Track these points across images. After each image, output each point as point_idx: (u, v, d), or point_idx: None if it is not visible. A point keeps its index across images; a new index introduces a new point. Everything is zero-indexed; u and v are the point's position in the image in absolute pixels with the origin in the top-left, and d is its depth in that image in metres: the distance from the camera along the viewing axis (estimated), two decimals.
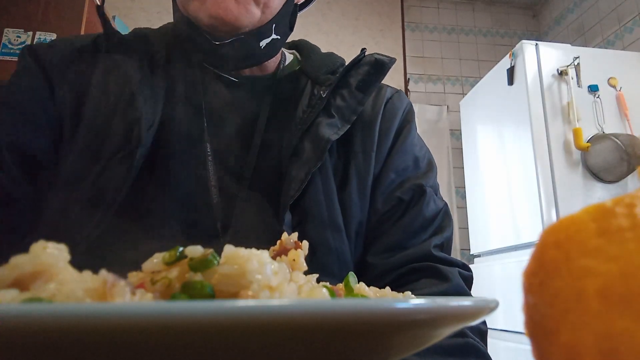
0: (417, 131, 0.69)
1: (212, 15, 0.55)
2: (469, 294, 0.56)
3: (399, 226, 0.60)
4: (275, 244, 0.27)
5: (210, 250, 0.21)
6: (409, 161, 0.64)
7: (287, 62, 0.69)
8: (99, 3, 0.58)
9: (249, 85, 0.64)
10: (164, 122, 0.57)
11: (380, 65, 0.63)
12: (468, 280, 0.58)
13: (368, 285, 0.59)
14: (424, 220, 0.60)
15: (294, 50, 0.73)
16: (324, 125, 0.58)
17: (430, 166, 0.66)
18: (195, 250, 0.21)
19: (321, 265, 0.54)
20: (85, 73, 0.59)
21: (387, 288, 0.28)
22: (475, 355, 0.48)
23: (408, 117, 0.67)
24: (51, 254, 0.19)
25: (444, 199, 0.66)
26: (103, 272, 0.18)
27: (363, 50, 0.64)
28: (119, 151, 0.53)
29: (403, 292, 0.53)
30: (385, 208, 0.60)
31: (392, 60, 0.64)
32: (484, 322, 0.54)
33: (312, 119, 0.59)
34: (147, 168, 0.54)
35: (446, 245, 0.61)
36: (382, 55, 0.64)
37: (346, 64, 0.65)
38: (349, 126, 0.59)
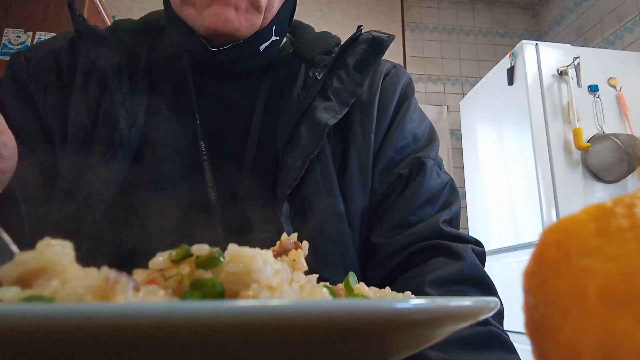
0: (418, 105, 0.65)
1: (210, 28, 0.51)
2: (484, 273, 0.53)
3: (401, 201, 0.56)
4: (279, 239, 0.27)
5: (217, 249, 0.21)
6: (408, 138, 0.60)
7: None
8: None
9: (243, 75, 0.60)
10: (150, 121, 0.54)
11: (379, 43, 0.59)
12: (481, 257, 0.54)
13: (377, 268, 0.57)
14: (428, 193, 0.57)
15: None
16: (321, 109, 0.55)
17: (430, 139, 0.62)
18: (201, 249, 0.21)
19: (322, 256, 0.52)
20: (65, 79, 0.57)
21: (387, 288, 0.28)
22: (499, 345, 0.46)
23: (407, 93, 0.63)
24: (56, 251, 0.19)
25: None
26: (105, 269, 0.18)
27: (359, 27, 0.60)
28: (104, 155, 0.51)
29: (415, 273, 0.53)
30: (384, 186, 0.57)
31: (391, 37, 0.60)
32: (500, 303, 0.51)
33: (307, 103, 0.55)
34: (139, 172, 0.52)
35: (455, 221, 0.57)
36: (380, 32, 0.61)
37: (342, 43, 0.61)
38: (347, 109, 0.56)
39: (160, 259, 0.21)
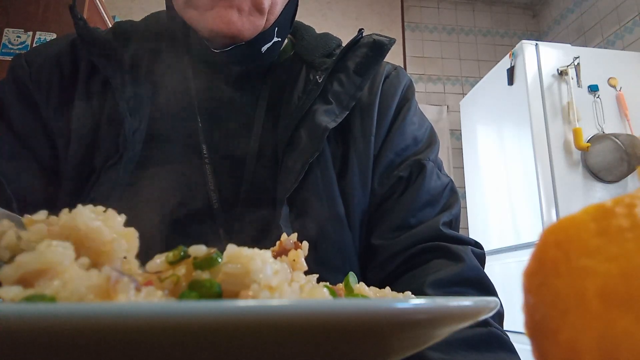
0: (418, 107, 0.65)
1: (213, 30, 0.51)
2: (484, 274, 0.53)
3: (401, 203, 0.56)
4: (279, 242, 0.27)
5: (214, 249, 0.21)
6: (409, 140, 0.60)
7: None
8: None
9: (244, 77, 0.59)
10: (153, 123, 0.54)
11: (379, 47, 0.59)
12: (481, 259, 0.54)
13: (377, 270, 0.57)
14: (428, 195, 0.57)
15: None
16: (321, 112, 0.55)
17: (430, 142, 0.62)
18: (198, 250, 0.21)
19: (323, 259, 0.52)
20: (67, 83, 0.57)
21: (387, 288, 0.28)
22: (499, 346, 0.46)
23: (407, 95, 0.63)
24: (56, 252, 0.19)
25: None
26: (106, 269, 0.18)
27: (360, 30, 0.60)
28: (108, 160, 0.51)
29: (415, 275, 0.53)
30: (384, 188, 0.57)
31: (392, 41, 0.60)
32: (500, 304, 0.51)
33: (307, 106, 0.55)
34: (142, 176, 0.52)
35: (455, 223, 0.58)
36: (381, 35, 0.60)
37: (343, 45, 0.61)
38: (347, 112, 0.56)
39: (158, 261, 0.21)
